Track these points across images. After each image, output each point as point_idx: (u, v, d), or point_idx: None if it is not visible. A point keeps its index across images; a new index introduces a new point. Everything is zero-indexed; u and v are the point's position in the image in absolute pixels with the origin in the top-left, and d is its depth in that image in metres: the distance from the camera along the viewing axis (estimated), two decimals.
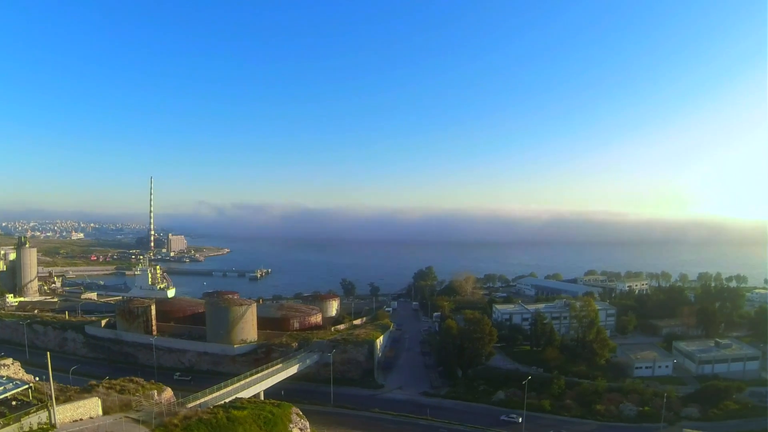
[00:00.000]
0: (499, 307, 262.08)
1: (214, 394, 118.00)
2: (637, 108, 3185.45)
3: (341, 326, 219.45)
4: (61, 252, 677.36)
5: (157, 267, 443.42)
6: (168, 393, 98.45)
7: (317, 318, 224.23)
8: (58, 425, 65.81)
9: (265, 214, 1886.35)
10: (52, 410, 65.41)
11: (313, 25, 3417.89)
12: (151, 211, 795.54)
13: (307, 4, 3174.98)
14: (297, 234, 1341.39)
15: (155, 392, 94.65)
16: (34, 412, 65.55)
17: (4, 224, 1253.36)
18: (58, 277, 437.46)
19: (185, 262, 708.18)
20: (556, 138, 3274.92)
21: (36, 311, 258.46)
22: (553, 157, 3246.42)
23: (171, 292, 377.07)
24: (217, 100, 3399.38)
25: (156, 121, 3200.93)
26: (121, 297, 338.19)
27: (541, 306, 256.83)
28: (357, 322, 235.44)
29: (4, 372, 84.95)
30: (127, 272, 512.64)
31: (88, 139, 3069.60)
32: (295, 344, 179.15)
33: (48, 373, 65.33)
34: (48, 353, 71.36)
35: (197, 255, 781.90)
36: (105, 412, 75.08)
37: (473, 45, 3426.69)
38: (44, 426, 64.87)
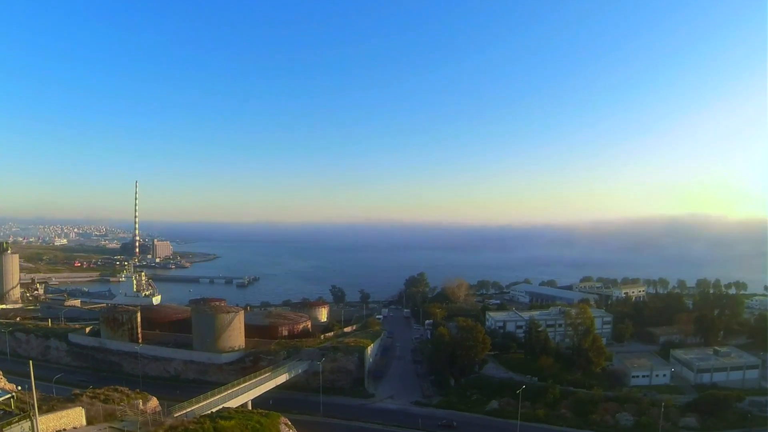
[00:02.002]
0: (492, 314, 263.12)
1: (201, 404, 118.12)
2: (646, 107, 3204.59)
3: (331, 334, 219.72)
4: (44, 258, 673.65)
5: (142, 273, 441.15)
6: (153, 402, 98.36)
7: (306, 325, 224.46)
8: None
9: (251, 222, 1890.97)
10: (34, 420, 65.36)
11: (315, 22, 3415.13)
12: (136, 217, 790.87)
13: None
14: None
15: (140, 401, 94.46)
16: (16, 422, 65.49)
17: None
18: (40, 283, 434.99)
19: (171, 268, 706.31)
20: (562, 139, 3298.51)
21: (18, 319, 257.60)
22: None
23: (156, 299, 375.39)
24: (207, 100, 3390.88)
25: (143, 123, 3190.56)
26: (105, 304, 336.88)
27: (535, 313, 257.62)
28: (347, 329, 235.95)
29: None
30: (112, 279, 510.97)
31: (72, 142, 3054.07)
32: (283, 352, 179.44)
33: (30, 382, 65.39)
34: (30, 362, 71.36)
35: (183, 261, 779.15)
36: (89, 422, 75.01)
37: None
38: None
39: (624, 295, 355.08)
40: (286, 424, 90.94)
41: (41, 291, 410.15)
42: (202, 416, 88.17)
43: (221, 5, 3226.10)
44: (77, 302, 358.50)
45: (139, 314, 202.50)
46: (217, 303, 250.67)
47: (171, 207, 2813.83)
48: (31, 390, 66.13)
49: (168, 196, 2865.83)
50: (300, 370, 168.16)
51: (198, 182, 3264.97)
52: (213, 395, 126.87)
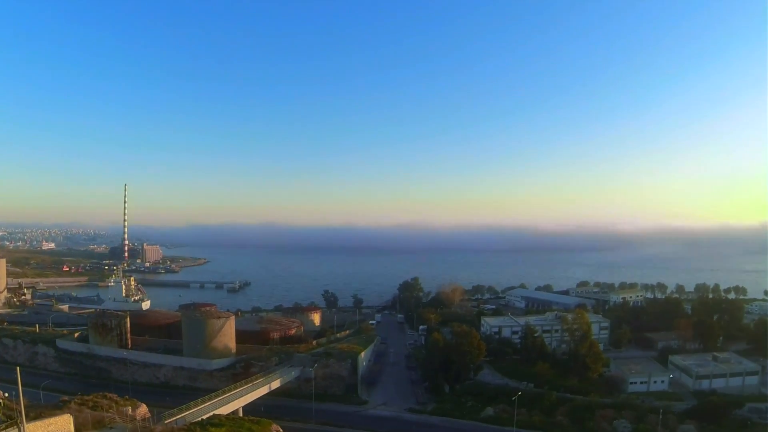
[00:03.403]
0: (487, 319, 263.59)
1: (191, 410, 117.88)
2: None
3: (323, 339, 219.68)
4: (31, 262, 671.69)
5: (131, 278, 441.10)
6: (143, 409, 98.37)
7: (298, 331, 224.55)
8: None
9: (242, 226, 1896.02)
10: (21, 427, 65.44)
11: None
12: (125, 220, 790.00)
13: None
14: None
15: (129, 408, 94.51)
16: (3, 429, 65.45)
17: None
18: (28, 288, 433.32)
19: (161, 273, 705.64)
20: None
21: (5, 324, 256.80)
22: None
23: (146, 305, 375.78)
24: (196, 103, 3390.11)
25: (132, 125, 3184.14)
26: (93, 309, 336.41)
27: (531, 318, 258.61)
28: (340, 335, 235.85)
29: None
30: (100, 284, 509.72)
31: (60, 145, 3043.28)
32: (275, 358, 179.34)
33: (18, 389, 65.51)
34: (18, 368, 71.52)
35: (173, 266, 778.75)
36: (77, 429, 74.95)
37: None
38: None
39: (621, 300, 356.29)
40: (277, 431, 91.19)
41: (29, 296, 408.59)
42: (192, 423, 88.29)
43: (217, 7, 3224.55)
44: (65, 307, 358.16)
45: (128, 320, 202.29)
46: (208, 308, 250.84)
47: (161, 211, 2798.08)
48: (19, 397, 66.26)
49: (158, 200, 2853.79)
50: (292, 377, 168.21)
51: (189, 186, 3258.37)
52: (203, 402, 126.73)
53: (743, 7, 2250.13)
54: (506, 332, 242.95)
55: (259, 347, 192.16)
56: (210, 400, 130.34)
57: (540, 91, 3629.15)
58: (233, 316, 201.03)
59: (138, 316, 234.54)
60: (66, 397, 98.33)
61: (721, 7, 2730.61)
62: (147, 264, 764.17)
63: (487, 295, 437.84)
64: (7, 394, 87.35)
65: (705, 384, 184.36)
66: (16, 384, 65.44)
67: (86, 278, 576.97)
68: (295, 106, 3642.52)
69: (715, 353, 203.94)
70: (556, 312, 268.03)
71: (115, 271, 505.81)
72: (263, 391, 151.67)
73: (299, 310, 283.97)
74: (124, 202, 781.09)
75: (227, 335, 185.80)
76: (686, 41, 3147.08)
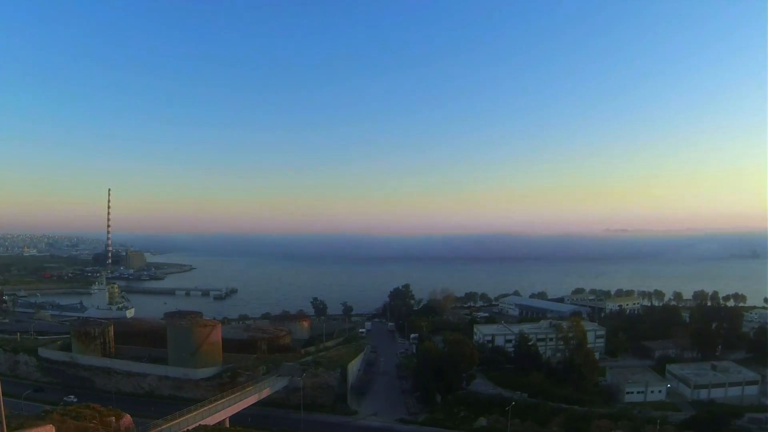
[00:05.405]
0: (480, 327, 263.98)
1: (176, 421, 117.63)
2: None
3: (312, 348, 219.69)
4: (12, 269, 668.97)
5: (115, 285, 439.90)
6: (127, 419, 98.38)
7: (286, 339, 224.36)
8: None
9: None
10: None
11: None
12: (108, 226, 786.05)
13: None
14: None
15: (113, 419, 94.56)
16: None
17: None
18: (9, 295, 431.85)
19: (145, 280, 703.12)
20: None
21: None
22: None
23: (130, 312, 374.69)
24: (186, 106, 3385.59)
25: (120, 127, 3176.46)
26: (76, 317, 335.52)
27: (525, 326, 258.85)
28: (329, 343, 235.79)
29: None
30: (83, 291, 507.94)
31: (42, 149, 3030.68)
32: (262, 367, 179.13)
33: None
34: None
35: (158, 273, 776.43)
36: None
37: None
38: None
39: (618, 308, 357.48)
40: None
41: (10, 303, 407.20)
42: None
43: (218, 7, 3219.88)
44: (47, 315, 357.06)
45: (112, 328, 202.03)
46: (194, 316, 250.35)
47: (146, 218, 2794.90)
48: None
49: (143, 207, 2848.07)
50: (280, 386, 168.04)
51: (177, 192, 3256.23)
52: (189, 412, 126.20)
53: (744, 3, 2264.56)
54: (499, 340, 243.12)
55: (246, 356, 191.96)
56: (196, 410, 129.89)
57: (537, 89, 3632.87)
58: (220, 324, 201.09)
59: (122, 324, 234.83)
60: (48, 407, 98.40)
61: (721, 4, 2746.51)
62: (131, 271, 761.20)
63: (480, 303, 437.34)
64: None
65: (703, 394, 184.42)
66: None
67: (69, 285, 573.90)
68: (288, 111, 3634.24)
69: (713, 362, 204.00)
70: (550, 320, 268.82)
71: (98, 278, 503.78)
72: (251, 401, 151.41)
73: (287, 318, 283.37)
74: (108, 206, 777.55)
75: (214, 344, 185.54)
76: (686, 38, 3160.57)
